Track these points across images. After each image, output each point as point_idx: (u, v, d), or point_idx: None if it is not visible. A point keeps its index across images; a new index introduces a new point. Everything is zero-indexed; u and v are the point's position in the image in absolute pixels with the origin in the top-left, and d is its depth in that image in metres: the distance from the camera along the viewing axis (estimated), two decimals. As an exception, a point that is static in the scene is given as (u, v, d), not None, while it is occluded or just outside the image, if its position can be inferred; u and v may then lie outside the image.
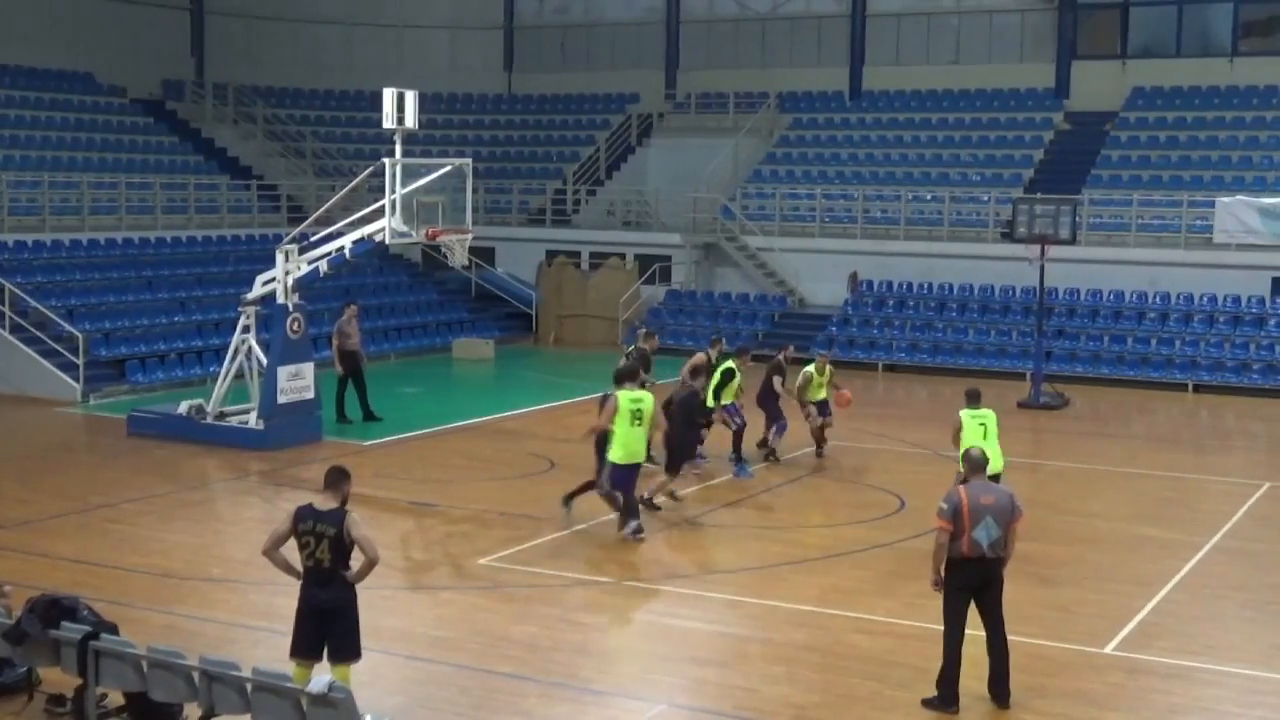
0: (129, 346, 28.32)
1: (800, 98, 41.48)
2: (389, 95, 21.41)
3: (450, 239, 21.95)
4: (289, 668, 10.33)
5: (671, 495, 18.11)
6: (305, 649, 10.41)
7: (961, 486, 11.60)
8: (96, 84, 38.48)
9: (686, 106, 42.24)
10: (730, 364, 20.43)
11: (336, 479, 10.55)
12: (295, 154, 41.11)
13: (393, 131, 21.63)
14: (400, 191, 21.21)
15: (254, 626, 13.46)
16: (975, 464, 11.76)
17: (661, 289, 36.50)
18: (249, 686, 9.82)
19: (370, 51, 44.22)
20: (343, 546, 10.27)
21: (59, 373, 26.66)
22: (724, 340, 22.74)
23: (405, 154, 21.79)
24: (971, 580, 11.51)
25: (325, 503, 10.42)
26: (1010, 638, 13.10)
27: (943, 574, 11.58)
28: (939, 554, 11.54)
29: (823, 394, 21.64)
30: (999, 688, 11.66)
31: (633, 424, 16.32)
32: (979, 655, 11.70)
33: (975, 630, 11.74)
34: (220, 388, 22.84)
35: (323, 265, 22.18)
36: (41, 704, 11.22)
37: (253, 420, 22.42)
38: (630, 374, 16.78)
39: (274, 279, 22.41)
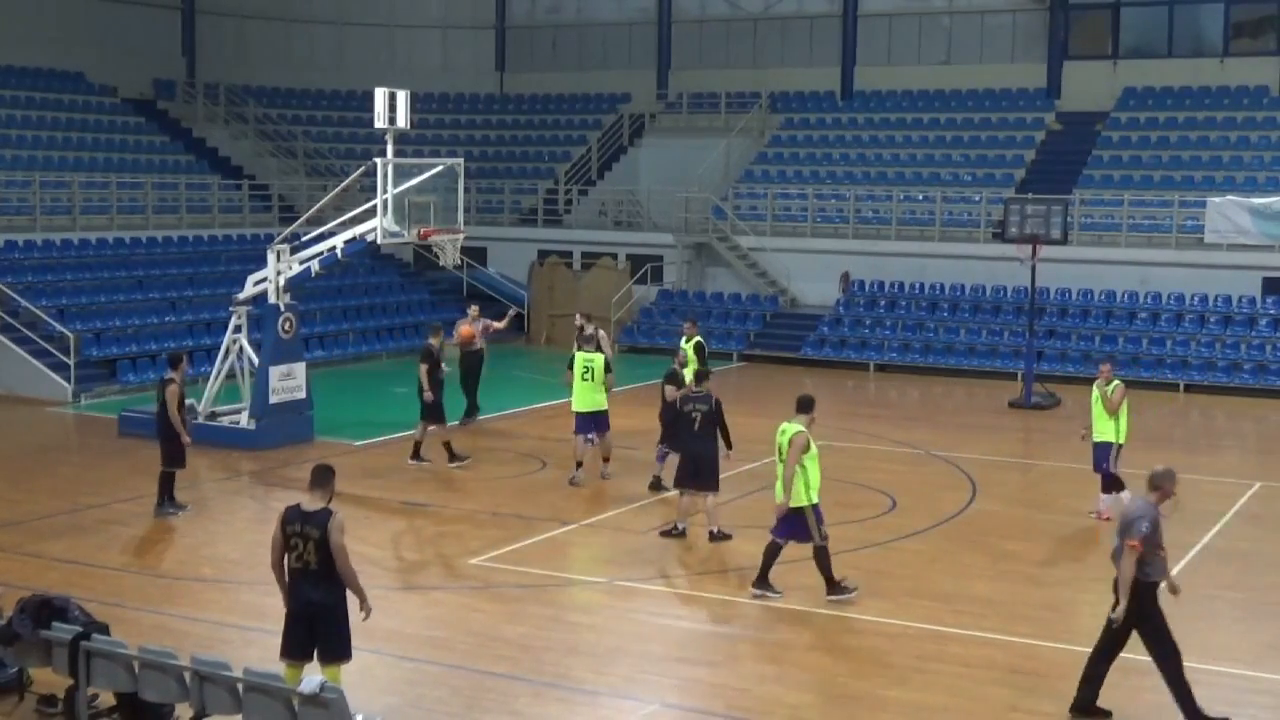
0: (120, 346, 28.29)
1: (792, 98, 41.51)
2: (380, 95, 21.41)
3: (442, 239, 21.95)
4: (280, 668, 10.31)
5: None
6: (295, 650, 10.38)
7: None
8: (87, 83, 38.41)
9: (678, 106, 42.26)
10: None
11: (322, 477, 10.46)
12: (286, 154, 41.06)
13: (384, 131, 21.65)
14: (392, 191, 21.22)
15: (245, 626, 13.45)
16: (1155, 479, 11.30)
17: (653, 289, 36.50)
18: (240, 687, 9.80)
19: (362, 51, 44.19)
20: (329, 548, 10.22)
21: (50, 373, 26.63)
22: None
23: (397, 154, 21.80)
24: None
25: (312, 503, 10.33)
26: (1001, 637, 13.15)
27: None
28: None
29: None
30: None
31: None
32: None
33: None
34: (211, 388, 22.82)
35: (314, 265, 22.16)
36: (33, 704, 11.21)
37: (244, 420, 22.41)
38: None
39: (265, 279, 22.39)
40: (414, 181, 21.62)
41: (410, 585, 15.21)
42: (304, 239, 23.30)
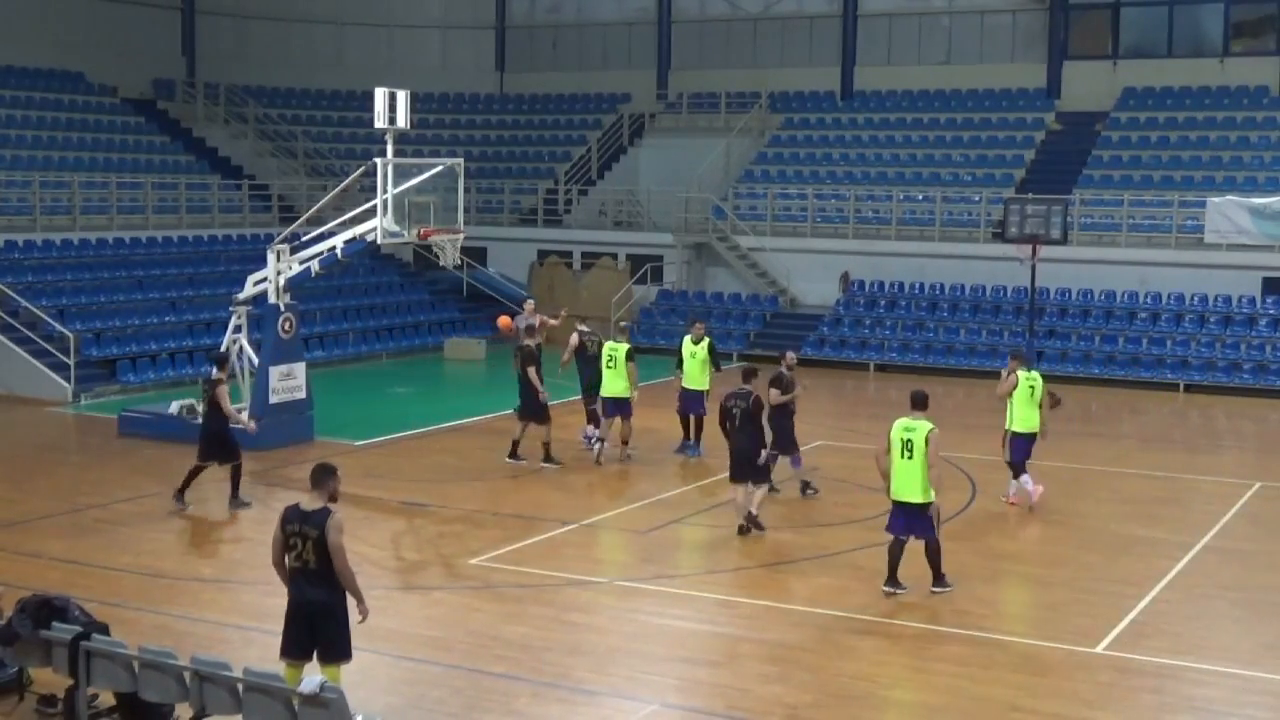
0: (120, 346, 28.28)
1: (792, 97, 41.50)
2: (380, 95, 21.40)
3: (442, 239, 21.94)
4: (280, 668, 10.31)
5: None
6: (295, 650, 10.38)
7: None
8: (87, 83, 38.39)
9: (678, 106, 42.24)
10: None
11: (321, 477, 10.46)
12: (286, 154, 41.05)
13: (384, 131, 21.63)
14: (392, 191, 21.21)
15: (245, 626, 13.45)
16: None
17: (653, 289, 36.50)
18: (240, 687, 9.80)
19: (362, 51, 44.18)
20: (328, 548, 10.22)
21: (50, 373, 26.62)
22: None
23: (397, 154, 21.78)
24: None
25: (311, 502, 10.34)
26: (1001, 637, 13.14)
27: None
28: None
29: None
30: None
31: None
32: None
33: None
34: (211, 388, 22.80)
35: (314, 265, 22.15)
36: (33, 704, 11.21)
37: (244, 420, 22.37)
38: None
39: (265, 279, 22.39)
40: (414, 181, 21.62)
41: (410, 585, 15.21)
42: (304, 239, 23.29)
